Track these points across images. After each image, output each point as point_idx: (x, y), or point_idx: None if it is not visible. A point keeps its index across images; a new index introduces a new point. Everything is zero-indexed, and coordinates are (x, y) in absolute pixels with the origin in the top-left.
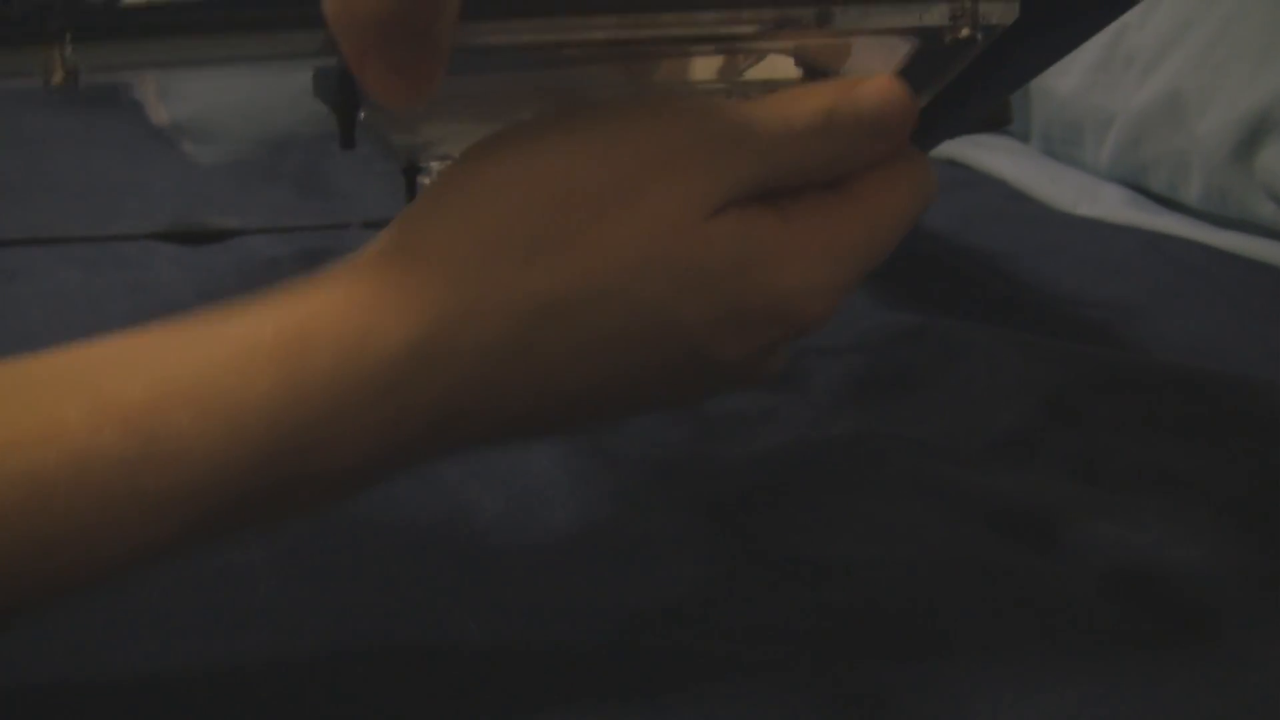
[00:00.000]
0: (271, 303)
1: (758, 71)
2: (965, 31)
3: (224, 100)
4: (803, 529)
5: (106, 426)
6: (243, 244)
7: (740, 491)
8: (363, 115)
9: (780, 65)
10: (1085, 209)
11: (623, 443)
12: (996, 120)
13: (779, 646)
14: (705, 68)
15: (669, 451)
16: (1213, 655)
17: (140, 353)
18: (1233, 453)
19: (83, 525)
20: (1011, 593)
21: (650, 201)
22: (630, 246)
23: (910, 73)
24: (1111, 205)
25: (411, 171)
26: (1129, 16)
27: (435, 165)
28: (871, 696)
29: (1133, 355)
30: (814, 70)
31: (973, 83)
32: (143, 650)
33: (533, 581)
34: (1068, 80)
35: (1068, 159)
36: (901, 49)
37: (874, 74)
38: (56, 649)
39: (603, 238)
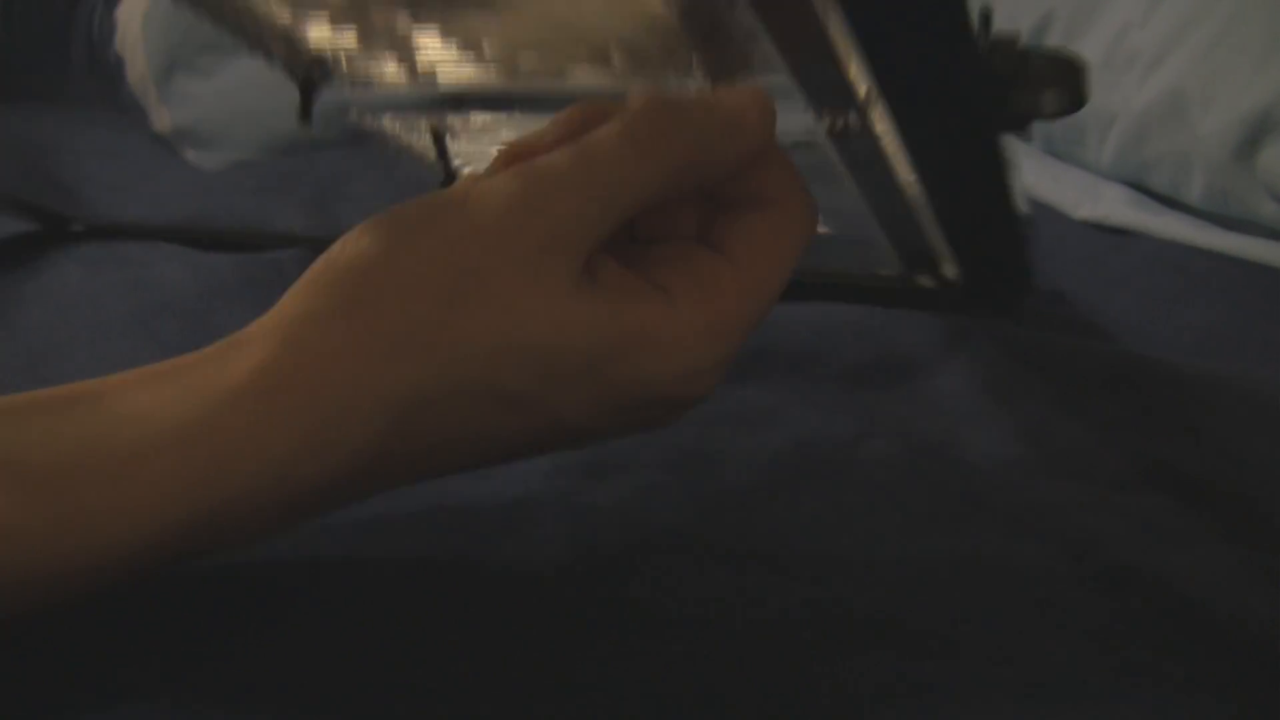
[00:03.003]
0: (173, 384)
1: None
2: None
3: (225, 106)
4: (803, 528)
5: (17, 491)
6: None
7: (740, 491)
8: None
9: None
10: (1087, 208)
11: (622, 443)
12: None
13: (778, 647)
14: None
15: (668, 452)
16: (1213, 657)
17: (56, 418)
18: (1232, 451)
19: None
20: (1014, 592)
21: (500, 287)
22: (489, 336)
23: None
24: (1113, 205)
25: (439, 134)
26: (1131, 15)
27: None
28: (871, 696)
29: (1132, 352)
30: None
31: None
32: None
33: (529, 582)
34: None
35: (1070, 158)
36: None
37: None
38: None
39: (465, 328)
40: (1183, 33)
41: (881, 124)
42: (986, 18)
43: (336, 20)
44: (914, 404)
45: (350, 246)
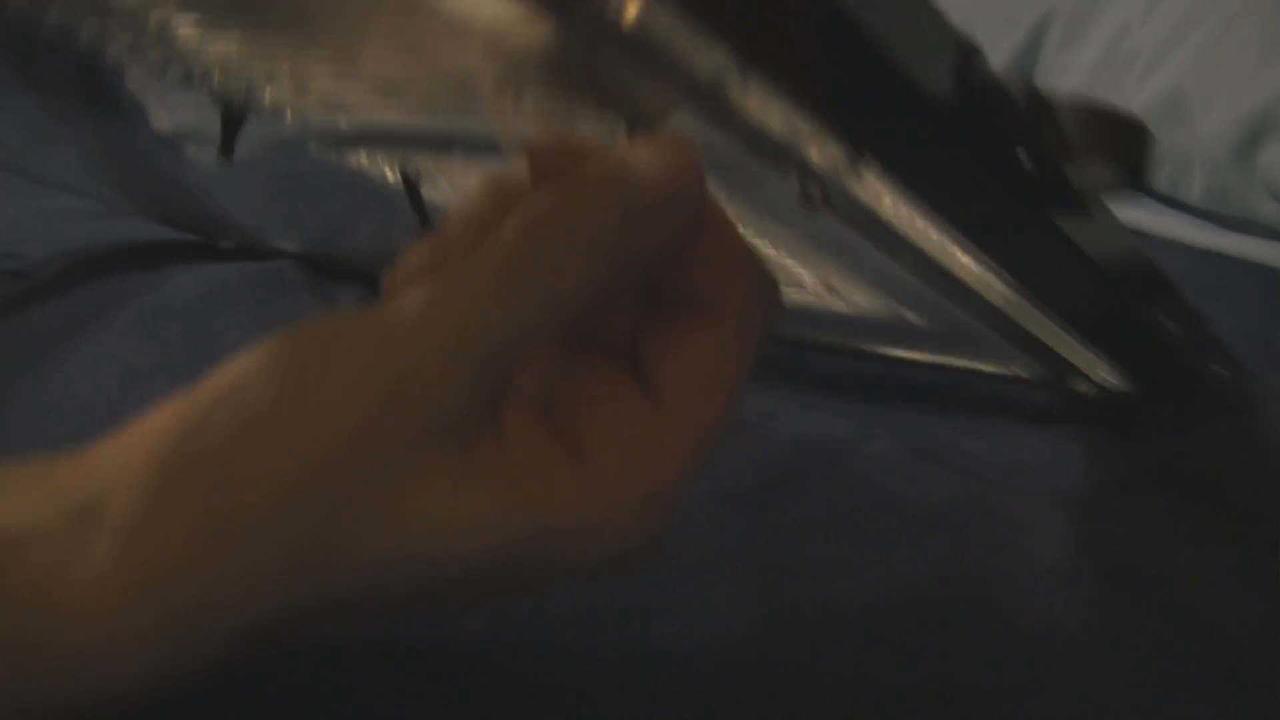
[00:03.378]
0: (36, 559)
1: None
2: (816, 193)
3: None
4: (803, 527)
5: None
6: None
7: (740, 491)
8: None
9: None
10: None
11: None
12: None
13: (779, 645)
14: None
15: None
16: (1213, 657)
17: None
18: (1233, 450)
19: None
20: (1013, 592)
21: (369, 492)
22: (361, 552)
23: None
24: (1112, 204)
25: (409, 179)
26: (1131, 15)
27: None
28: (871, 696)
29: None
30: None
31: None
32: None
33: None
34: (1070, 79)
35: None
36: None
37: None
38: None
39: (327, 547)
40: (1183, 32)
41: (872, 191)
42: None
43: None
44: (917, 402)
45: (195, 435)
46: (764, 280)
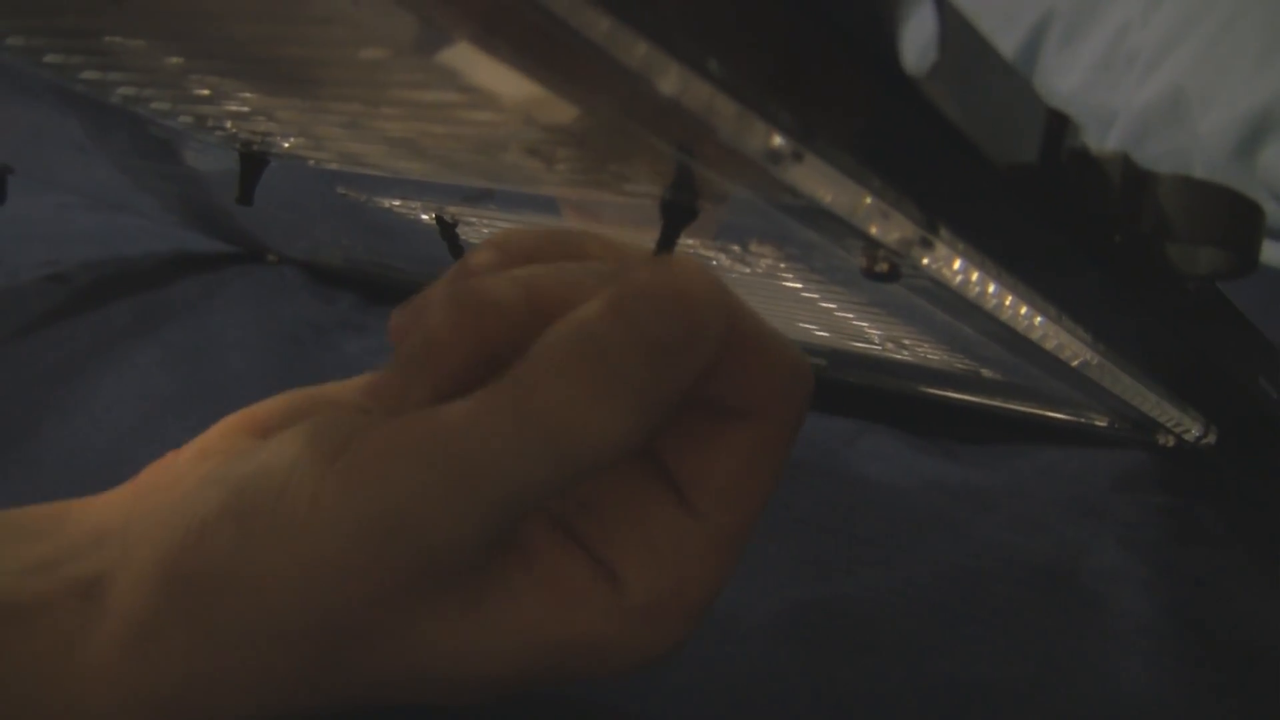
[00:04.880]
0: (38, 646)
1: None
2: (883, 266)
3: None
4: (806, 524)
5: None
6: (268, 268)
7: None
8: None
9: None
10: None
11: None
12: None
13: (778, 644)
14: None
15: None
16: (1214, 657)
17: None
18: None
19: None
20: (1013, 592)
21: (375, 624)
22: (371, 673)
23: None
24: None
25: (445, 222)
26: (1131, 15)
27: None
28: (871, 696)
29: None
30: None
31: None
32: None
33: None
34: (1070, 79)
35: None
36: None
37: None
38: None
39: (335, 671)
40: (1183, 32)
41: (945, 261)
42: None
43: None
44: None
45: (203, 544)
46: (797, 376)
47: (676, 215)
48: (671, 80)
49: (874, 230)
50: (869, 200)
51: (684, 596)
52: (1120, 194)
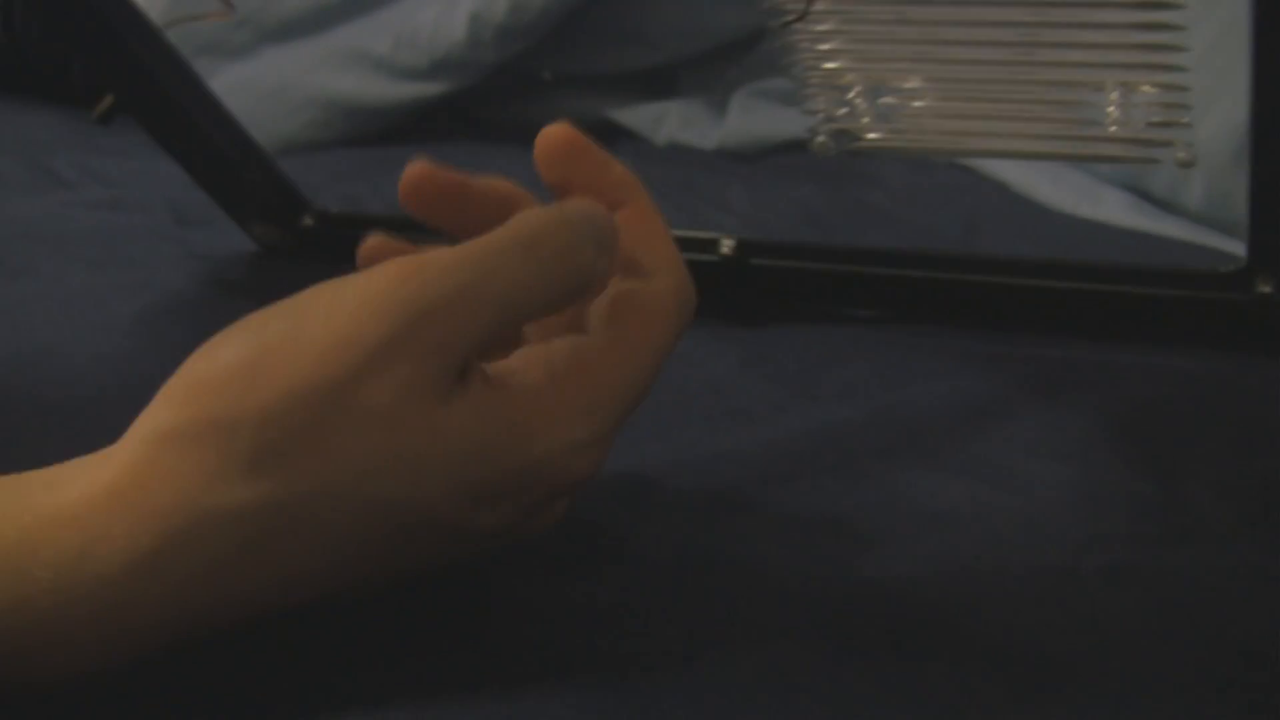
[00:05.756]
0: (9, 494)
1: None
2: None
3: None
4: (808, 523)
5: None
6: (260, 256)
7: (741, 485)
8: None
9: None
10: (1086, 212)
11: (631, 433)
12: None
13: (779, 643)
14: None
15: (677, 451)
16: (1213, 657)
17: None
18: (1230, 449)
19: None
20: (1012, 591)
21: (371, 399)
22: (356, 447)
23: None
24: (1113, 209)
25: None
26: None
27: None
28: (870, 695)
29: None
30: None
31: None
32: None
33: (531, 576)
34: None
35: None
36: None
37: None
38: None
39: (328, 442)
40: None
41: None
42: None
43: None
44: (919, 402)
45: (209, 361)
46: (685, 271)
47: None
48: None
49: None
50: None
51: (594, 397)
52: None
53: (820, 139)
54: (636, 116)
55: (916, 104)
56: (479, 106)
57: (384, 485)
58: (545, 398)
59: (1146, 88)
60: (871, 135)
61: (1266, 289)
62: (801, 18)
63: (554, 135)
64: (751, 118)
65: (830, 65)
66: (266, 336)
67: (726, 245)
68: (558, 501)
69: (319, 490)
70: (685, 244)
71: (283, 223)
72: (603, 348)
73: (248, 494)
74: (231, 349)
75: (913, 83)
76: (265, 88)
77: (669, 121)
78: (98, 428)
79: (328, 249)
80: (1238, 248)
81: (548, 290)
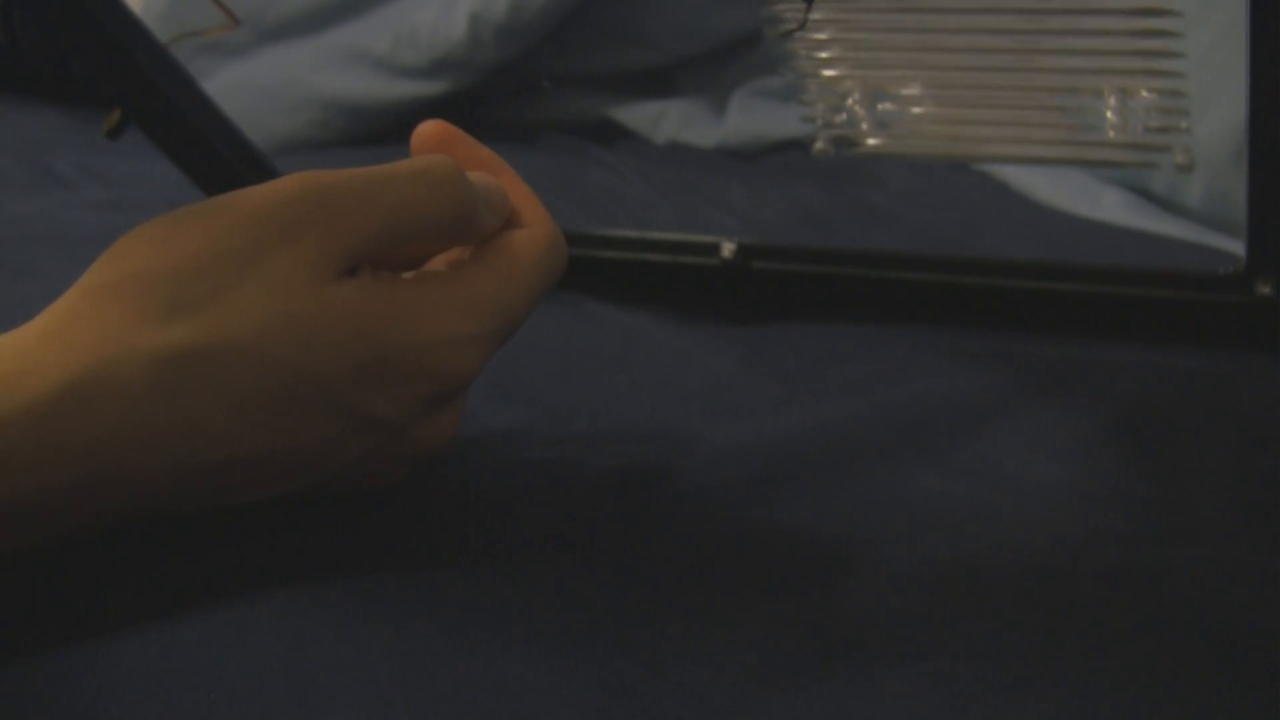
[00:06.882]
0: None
1: None
2: None
3: (223, 107)
4: (807, 522)
5: None
6: None
7: (741, 484)
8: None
9: None
10: (1086, 212)
11: (632, 431)
12: None
13: (778, 643)
14: None
15: (679, 447)
16: (1213, 657)
17: None
18: (1230, 449)
19: None
20: (1012, 590)
21: (270, 267)
22: (256, 307)
23: None
24: (1113, 209)
25: None
26: None
27: None
28: (869, 694)
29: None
30: None
31: None
32: None
33: (531, 571)
34: None
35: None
36: None
37: None
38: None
39: (232, 299)
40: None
41: None
42: None
43: None
44: (921, 401)
45: (132, 234)
46: (555, 225)
47: None
48: None
49: None
50: None
51: (474, 299)
52: None
53: (820, 145)
54: (636, 116)
55: (915, 110)
56: (479, 106)
57: (278, 344)
58: (429, 293)
59: (1144, 93)
60: (871, 141)
61: (1266, 290)
62: (800, 27)
63: (427, 129)
64: (751, 117)
65: (829, 73)
66: (182, 214)
67: (727, 249)
68: (447, 407)
69: (222, 343)
70: (685, 248)
71: None
72: (481, 269)
73: (163, 337)
74: (152, 224)
75: (911, 89)
76: (265, 87)
77: (669, 121)
78: None
79: None
80: (1238, 247)
81: (432, 212)
